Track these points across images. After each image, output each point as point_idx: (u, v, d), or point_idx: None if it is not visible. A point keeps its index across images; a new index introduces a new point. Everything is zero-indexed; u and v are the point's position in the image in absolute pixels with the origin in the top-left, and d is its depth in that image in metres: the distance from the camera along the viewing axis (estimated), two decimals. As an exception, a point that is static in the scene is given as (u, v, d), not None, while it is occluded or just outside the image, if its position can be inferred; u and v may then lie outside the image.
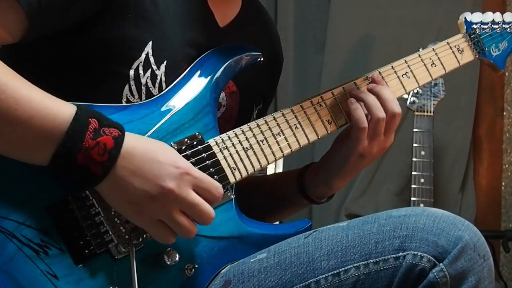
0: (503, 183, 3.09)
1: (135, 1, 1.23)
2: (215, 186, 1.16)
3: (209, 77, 1.30)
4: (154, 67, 1.25)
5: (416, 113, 2.69)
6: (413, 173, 2.65)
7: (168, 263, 1.19)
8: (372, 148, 1.35)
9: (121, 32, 1.22)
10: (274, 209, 1.47)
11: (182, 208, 1.14)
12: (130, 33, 1.23)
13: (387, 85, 1.39)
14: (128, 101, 1.24)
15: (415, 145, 2.66)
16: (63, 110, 1.09)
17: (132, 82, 1.24)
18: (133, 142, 1.12)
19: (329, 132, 1.38)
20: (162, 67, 1.26)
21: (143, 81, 1.25)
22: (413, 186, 2.64)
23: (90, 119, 1.09)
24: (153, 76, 1.25)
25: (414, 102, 2.68)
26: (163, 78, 1.27)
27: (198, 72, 1.30)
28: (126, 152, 1.11)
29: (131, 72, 1.24)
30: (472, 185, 3.02)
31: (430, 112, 2.68)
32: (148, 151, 1.13)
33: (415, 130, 2.68)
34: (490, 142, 3.08)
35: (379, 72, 1.42)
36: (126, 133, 1.12)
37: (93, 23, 1.21)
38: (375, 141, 1.35)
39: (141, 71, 1.24)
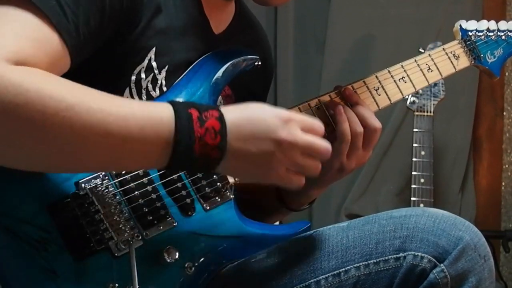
0: (503, 183, 3.09)
1: (144, 12, 1.23)
2: (317, 123, 1.17)
3: (208, 79, 1.30)
4: (156, 71, 1.25)
5: (416, 113, 2.68)
6: (413, 173, 2.65)
7: (168, 261, 1.19)
8: (351, 163, 1.36)
9: (129, 43, 1.22)
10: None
11: (301, 150, 1.13)
12: (137, 43, 1.23)
13: (360, 100, 1.39)
14: None
15: (415, 145, 2.66)
16: (163, 111, 1.08)
17: (133, 85, 1.24)
18: (233, 114, 1.12)
19: (327, 134, 1.37)
20: (163, 71, 1.26)
21: (144, 84, 1.25)
22: (413, 186, 2.64)
23: (188, 110, 1.09)
24: (154, 80, 1.26)
25: (414, 102, 2.68)
26: (164, 82, 1.27)
27: (197, 74, 1.30)
28: (232, 126, 1.10)
29: (133, 77, 1.24)
30: (472, 185, 3.02)
31: (430, 112, 2.68)
32: (249, 115, 1.12)
33: (415, 130, 2.67)
34: (490, 142, 3.08)
35: (376, 76, 1.43)
36: (222, 108, 1.12)
37: (110, 39, 1.20)
38: (353, 155, 1.35)
39: (143, 75, 1.24)
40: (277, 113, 1.13)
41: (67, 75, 1.20)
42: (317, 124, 1.16)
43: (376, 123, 1.35)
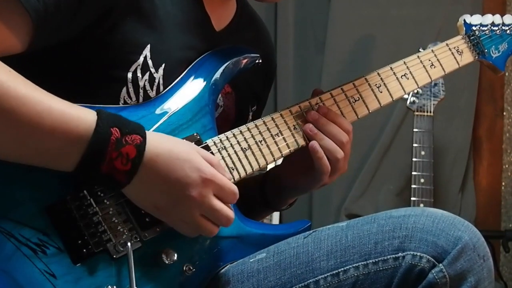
0: (503, 183, 3.09)
1: (135, 5, 1.23)
2: (233, 191, 1.18)
3: (207, 79, 1.30)
4: (152, 70, 1.25)
5: (416, 113, 2.69)
6: (413, 173, 2.65)
7: (167, 262, 1.19)
8: (333, 178, 1.38)
9: (120, 36, 1.22)
10: None
11: (204, 213, 1.16)
12: (129, 37, 1.23)
13: (332, 113, 1.36)
14: (125, 103, 1.24)
15: (415, 145, 2.66)
16: (84, 120, 1.10)
17: (130, 85, 1.24)
18: (156, 148, 1.13)
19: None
20: (160, 70, 1.26)
21: (141, 83, 1.25)
22: (413, 186, 2.64)
23: (111, 128, 1.10)
24: (151, 79, 1.25)
25: (414, 102, 2.68)
26: (161, 81, 1.26)
27: (197, 74, 1.30)
28: (149, 160, 1.12)
29: (129, 75, 1.24)
30: (472, 185, 3.02)
31: (430, 112, 2.68)
32: (172, 157, 1.14)
33: (415, 130, 2.68)
34: (490, 142, 3.08)
35: (378, 73, 1.42)
36: (148, 137, 1.13)
37: (94, 27, 1.20)
38: (334, 174, 1.37)
39: (139, 74, 1.24)
40: (201, 169, 1.15)
41: (66, 71, 1.20)
42: (233, 191, 1.18)
43: (343, 138, 1.34)
